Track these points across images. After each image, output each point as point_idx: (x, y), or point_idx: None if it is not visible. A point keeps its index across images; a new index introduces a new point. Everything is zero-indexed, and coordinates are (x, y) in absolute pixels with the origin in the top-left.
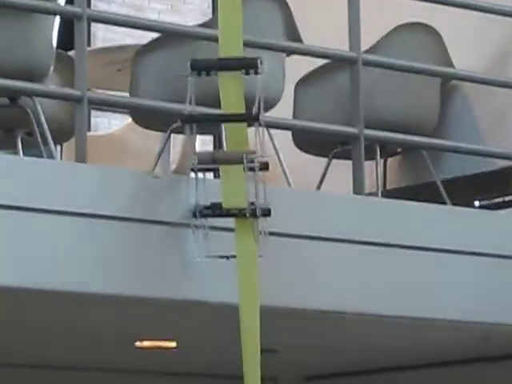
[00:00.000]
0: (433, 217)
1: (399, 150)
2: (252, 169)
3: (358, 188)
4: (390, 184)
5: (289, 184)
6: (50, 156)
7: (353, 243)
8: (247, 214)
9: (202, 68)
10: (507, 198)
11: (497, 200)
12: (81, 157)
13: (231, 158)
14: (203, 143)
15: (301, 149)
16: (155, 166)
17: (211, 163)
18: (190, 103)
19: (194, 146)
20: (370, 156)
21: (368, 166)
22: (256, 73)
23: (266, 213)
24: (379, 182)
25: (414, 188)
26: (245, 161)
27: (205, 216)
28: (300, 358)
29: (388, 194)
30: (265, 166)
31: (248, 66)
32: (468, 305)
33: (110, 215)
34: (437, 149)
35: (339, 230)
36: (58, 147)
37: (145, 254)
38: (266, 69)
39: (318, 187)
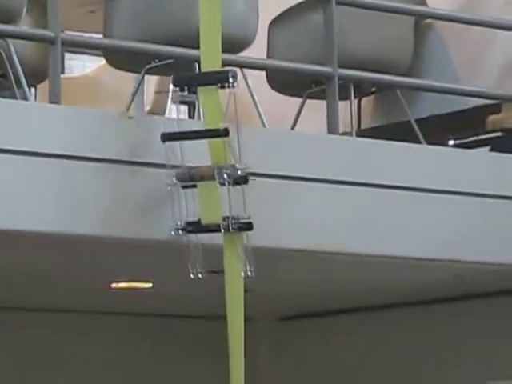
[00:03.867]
0: (407, 156)
1: (373, 89)
2: (224, 183)
3: (332, 127)
4: (364, 124)
5: (263, 124)
6: (24, 98)
7: (327, 182)
8: (222, 230)
9: (184, 84)
10: (481, 137)
11: (471, 139)
12: (55, 98)
13: (205, 174)
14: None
15: (275, 89)
16: (129, 106)
17: (188, 180)
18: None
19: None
20: (345, 96)
21: (342, 106)
22: (230, 86)
23: (247, 227)
24: (353, 121)
25: (389, 127)
26: (216, 176)
27: (188, 232)
28: (276, 298)
29: (362, 133)
30: (243, 180)
31: (221, 79)
32: (442, 243)
33: (84, 156)
34: (411, 87)
35: (313, 170)
36: (33, 89)
37: (120, 194)
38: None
39: (293, 127)
